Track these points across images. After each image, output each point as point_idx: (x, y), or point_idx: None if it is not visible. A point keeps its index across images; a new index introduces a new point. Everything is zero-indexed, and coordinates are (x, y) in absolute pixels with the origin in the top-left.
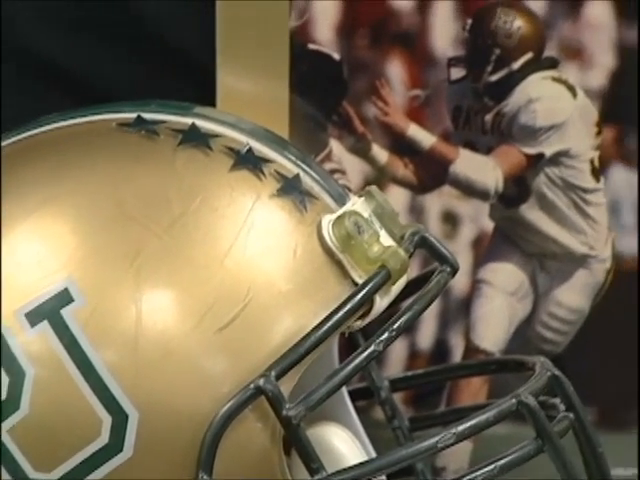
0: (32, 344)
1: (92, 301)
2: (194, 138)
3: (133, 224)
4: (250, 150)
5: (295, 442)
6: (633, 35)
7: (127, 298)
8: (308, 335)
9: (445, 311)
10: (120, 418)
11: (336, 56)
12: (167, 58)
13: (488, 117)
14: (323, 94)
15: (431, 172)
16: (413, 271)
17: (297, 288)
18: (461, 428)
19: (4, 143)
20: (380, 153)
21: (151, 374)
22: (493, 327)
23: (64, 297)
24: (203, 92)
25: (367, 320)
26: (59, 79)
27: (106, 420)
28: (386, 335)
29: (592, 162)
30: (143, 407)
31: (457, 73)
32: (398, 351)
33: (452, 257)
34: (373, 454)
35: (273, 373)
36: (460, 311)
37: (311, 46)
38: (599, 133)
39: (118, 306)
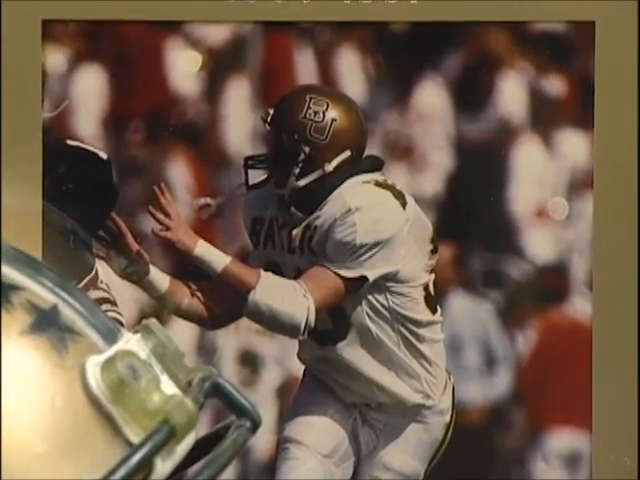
0: None
1: None
2: None
3: None
4: None
5: None
6: (474, 129)
7: None
8: None
9: (244, 477)
10: None
11: (103, 155)
12: None
13: (296, 231)
14: (86, 203)
15: (225, 301)
16: (203, 426)
17: (56, 449)
18: None
19: None
20: (160, 278)
21: None
22: None
23: None
24: None
25: None
26: None
27: None
28: None
29: (426, 288)
30: None
31: (257, 176)
32: None
33: (252, 409)
34: None
35: None
36: (263, 477)
37: (71, 142)
38: (434, 252)
39: None
